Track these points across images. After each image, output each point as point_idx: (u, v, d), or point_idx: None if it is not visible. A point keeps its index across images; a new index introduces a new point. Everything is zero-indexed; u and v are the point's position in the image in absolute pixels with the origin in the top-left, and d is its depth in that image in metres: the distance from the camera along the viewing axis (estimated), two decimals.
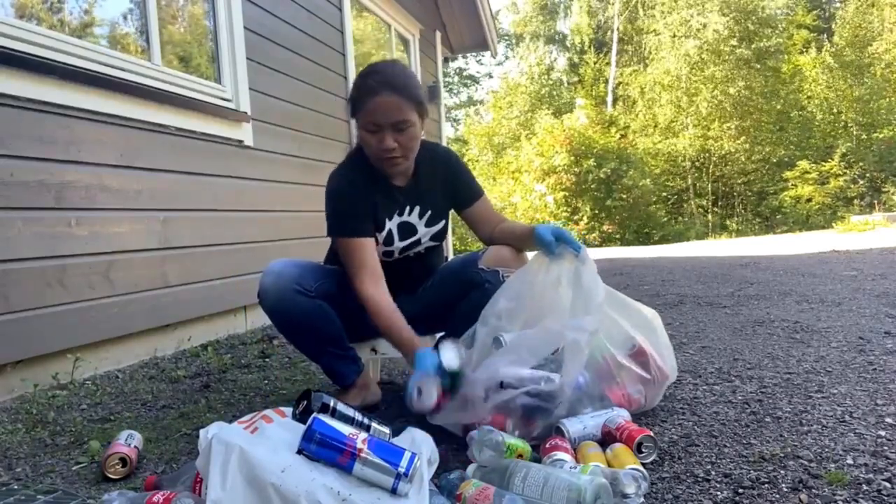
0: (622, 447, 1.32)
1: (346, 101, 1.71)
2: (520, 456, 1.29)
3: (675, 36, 18.39)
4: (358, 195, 1.72)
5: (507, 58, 26.73)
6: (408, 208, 1.78)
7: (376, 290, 1.65)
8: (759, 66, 17.70)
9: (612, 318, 1.64)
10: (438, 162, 1.83)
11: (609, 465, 1.26)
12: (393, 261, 1.81)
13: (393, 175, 1.74)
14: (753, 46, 17.41)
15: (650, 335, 1.69)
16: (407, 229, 1.79)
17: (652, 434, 1.36)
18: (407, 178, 1.78)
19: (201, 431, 1.11)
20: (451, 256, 5.95)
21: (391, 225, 1.76)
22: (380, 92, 1.59)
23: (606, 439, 1.40)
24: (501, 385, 1.47)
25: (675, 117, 18.40)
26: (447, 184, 1.83)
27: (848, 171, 15.77)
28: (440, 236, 1.86)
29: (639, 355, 1.63)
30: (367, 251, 1.68)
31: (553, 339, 1.51)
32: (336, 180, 1.75)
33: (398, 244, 1.78)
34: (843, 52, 17.91)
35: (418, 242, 1.82)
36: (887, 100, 16.86)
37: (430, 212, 1.81)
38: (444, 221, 1.85)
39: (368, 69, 1.69)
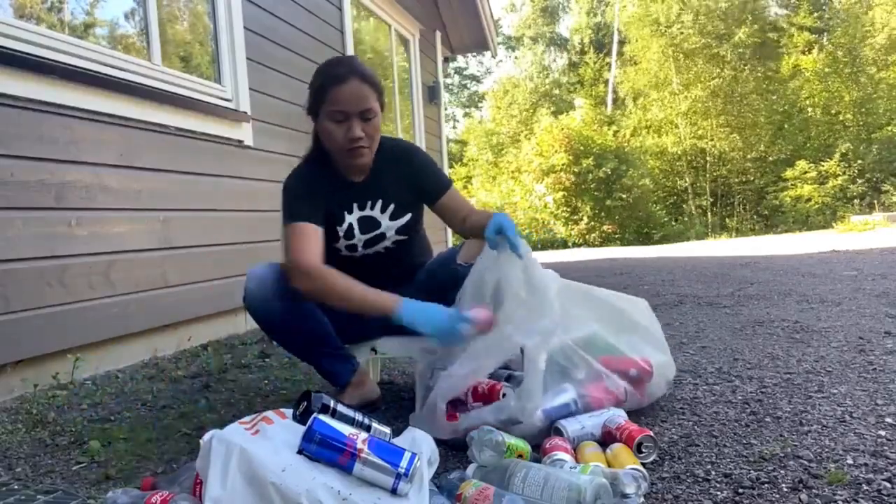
0: (622, 447, 1.32)
1: (308, 98, 1.68)
2: (520, 456, 1.29)
3: (653, 34, 18.35)
4: (310, 188, 1.71)
5: (508, 57, 26.75)
6: (369, 203, 1.77)
7: (319, 262, 1.59)
8: (752, 66, 17.67)
9: (580, 319, 1.62)
10: (400, 156, 1.82)
11: (609, 465, 1.26)
12: (363, 256, 1.80)
13: (353, 169, 1.74)
14: (732, 41, 17.33)
15: (629, 333, 1.68)
16: (369, 223, 1.78)
17: (652, 434, 1.36)
18: (365, 174, 1.77)
19: (204, 437, 1.11)
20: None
21: (351, 219, 1.76)
22: (348, 79, 1.60)
23: (606, 439, 1.40)
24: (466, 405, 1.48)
25: (665, 115, 18.38)
26: (411, 178, 1.81)
27: (847, 171, 15.76)
28: (408, 230, 1.83)
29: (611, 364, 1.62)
30: (311, 235, 1.63)
31: (509, 346, 1.50)
32: (291, 178, 1.76)
33: (360, 237, 1.77)
34: (837, 53, 17.90)
35: (383, 237, 1.80)
36: (884, 100, 16.83)
37: (393, 205, 1.79)
38: (410, 214, 1.82)
39: (329, 61, 1.71)
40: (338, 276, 1.58)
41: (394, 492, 1.02)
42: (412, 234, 1.86)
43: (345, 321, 1.77)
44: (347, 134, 1.62)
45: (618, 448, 1.32)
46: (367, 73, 1.64)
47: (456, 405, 1.53)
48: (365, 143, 1.65)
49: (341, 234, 1.76)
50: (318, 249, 1.63)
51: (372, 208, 1.78)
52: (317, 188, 1.72)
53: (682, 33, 17.58)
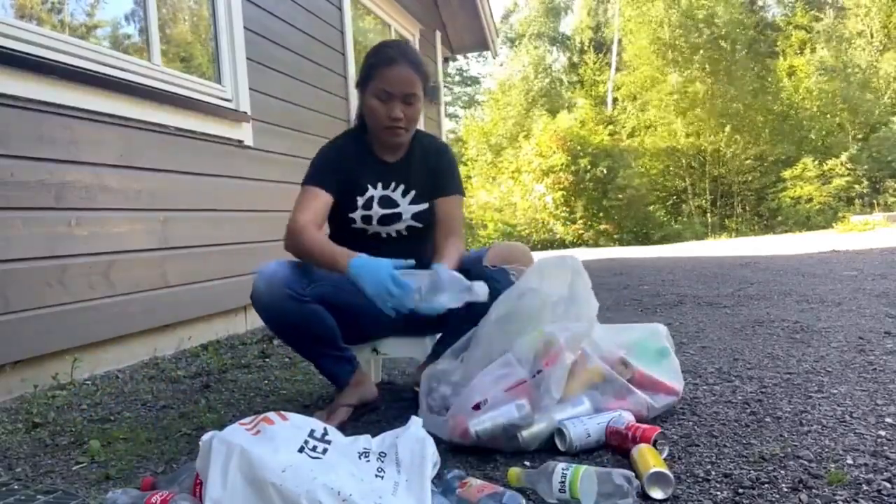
0: (648, 449, 1.29)
1: (359, 73, 1.78)
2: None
3: (647, 35, 18.35)
4: (336, 156, 1.80)
5: (516, 57, 26.63)
6: (393, 184, 1.81)
7: (310, 222, 1.68)
8: (749, 65, 17.65)
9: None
10: (433, 150, 1.89)
11: (636, 465, 1.24)
12: (376, 234, 1.80)
13: (387, 147, 1.81)
14: (730, 40, 17.32)
15: (659, 357, 1.70)
16: (388, 202, 1.81)
17: (663, 430, 1.37)
18: (397, 157, 1.83)
19: (204, 437, 1.10)
20: None
21: (373, 192, 1.80)
22: (398, 62, 1.70)
23: (612, 440, 1.40)
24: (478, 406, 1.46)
25: (661, 116, 18.36)
26: (435, 172, 1.85)
27: (847, 171, 15.75)
28: (424, 217, 1.83)
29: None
30: (315, 198, 1.73)
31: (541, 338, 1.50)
32: (325, 145, 1.86)
33: (378, 210, 1.79)
34: (834, 53, 17.90)
35: (399, 217, 1.81)
36: (882, 100, 16.83)
37: (414, 192, 1.82)
38: (427, 205, 1.84)
39: (384, 42, 1.82)
40: (315, 234, 1.66)
41: None
42: (426, 225, 1.85)
43: (350, 322, 1.77)
44: (389, 113, 1.71)
45: (643, 449, 1.28)
46: (416, 60, 1.75)
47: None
48: (403, 125, 1.73)
49: (360, 203, 1.79)
50: (317, 211, 1.72)
51: (394, 190, 1.82)
52: (343, 158, 1.80)
53: (673, 33, 17.58)
